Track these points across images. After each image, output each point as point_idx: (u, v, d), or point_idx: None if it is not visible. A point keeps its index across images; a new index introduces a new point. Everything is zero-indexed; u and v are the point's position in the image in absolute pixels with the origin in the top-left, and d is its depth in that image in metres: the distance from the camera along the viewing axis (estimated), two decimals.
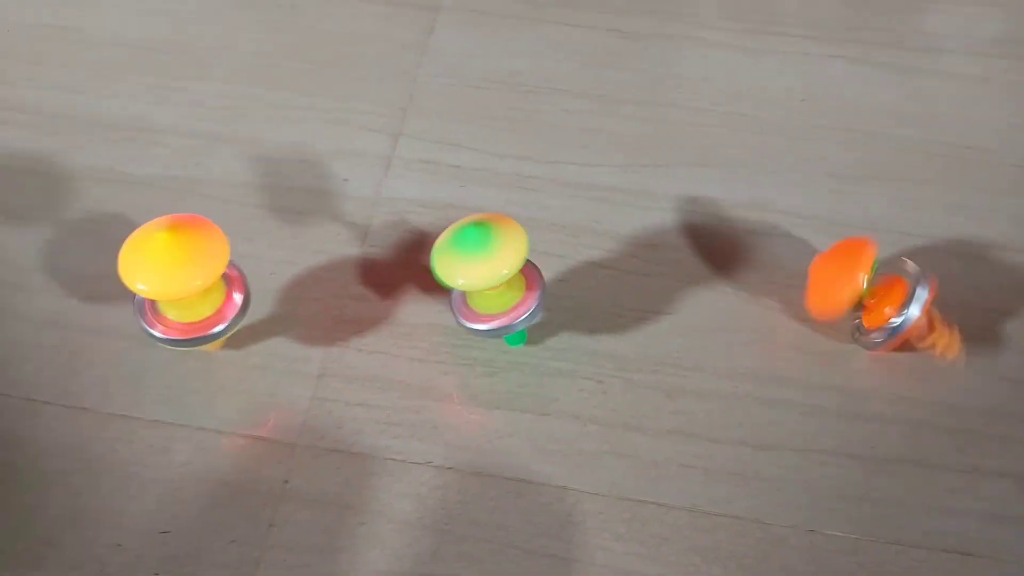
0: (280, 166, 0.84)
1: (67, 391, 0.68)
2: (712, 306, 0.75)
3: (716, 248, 0.79)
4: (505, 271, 0.61)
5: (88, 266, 0.76)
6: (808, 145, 0.88)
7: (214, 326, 0.64)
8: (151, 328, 0.63)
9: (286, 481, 0.64)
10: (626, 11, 1.01)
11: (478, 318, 0.67)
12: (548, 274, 0.76)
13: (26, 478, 0.64)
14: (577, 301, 0.75)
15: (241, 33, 0.96)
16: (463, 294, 0.68)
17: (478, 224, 0.62)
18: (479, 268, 0.61)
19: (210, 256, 0.59)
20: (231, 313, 0.65)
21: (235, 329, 0.65)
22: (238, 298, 0.65)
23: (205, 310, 0.64)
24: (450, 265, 0.62)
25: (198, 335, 0.63)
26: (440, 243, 0.64)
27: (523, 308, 0.66)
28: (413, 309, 0.74)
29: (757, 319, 0.75)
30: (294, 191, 0.82)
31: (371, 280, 0.76)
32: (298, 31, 0.96)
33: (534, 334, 0.73)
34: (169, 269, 0.57)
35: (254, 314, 0.72)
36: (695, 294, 0.76)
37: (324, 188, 0.82)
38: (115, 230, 0.78)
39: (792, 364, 0.72)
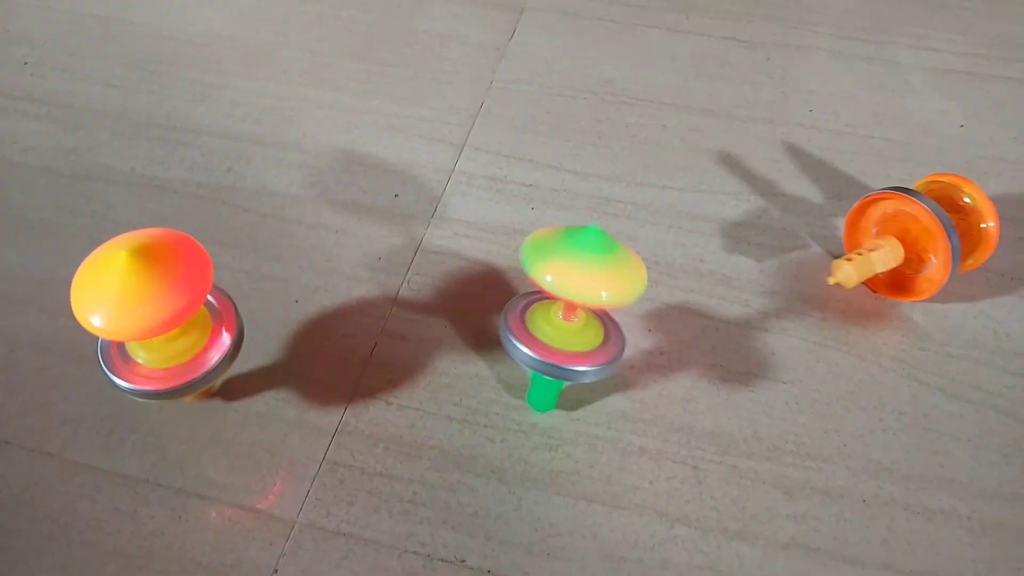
0: (323, 176, 0.71)
1: (33, 429, 0.56)
2: (848, 376, 0.57)
3: (856, 302, 0.62)
4: (607, 294, 0.46)
5: None
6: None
7: (191, 374, 0.49)
8: (114, 375, 0.49)
9: (275, 571, 0.50)
10: (744, 17, 0.85)
11: (534, 342, 0.51)
12: (627, 319, 0.60)
13: None
14: (668, 358, 0.58)
15: (298, 30, 0.84)
16: (529, 303, 0.54)
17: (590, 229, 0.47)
18: (588, 274, 0.46)
19: (183, 285, 0.45)
20: (216, 356, 0.50)
21: (221, 378, 0.51)
22: (227, 338, 0.51)
23: (183, 352, 0.50)
24: (579, 271, 0.46)
25: (170, 386, 0.49)
26: (545, 241, 0.48)
27: (599, 358, 0.51)
28: (460, 356, 0.59)
29: (909, 396, 0.56)
30: (336, 205, 0.69)
31: (412, 316, 0.61)
32: (362, 29, 0.84)
33: (606, 394, 0.56)
34: (129, 301, 0.43)
35: (268, 349, 0.59)
36: (825, 359, 0.58)
37: (371, 204, 0.69)
38: None
39: (958, 462, 0.53)
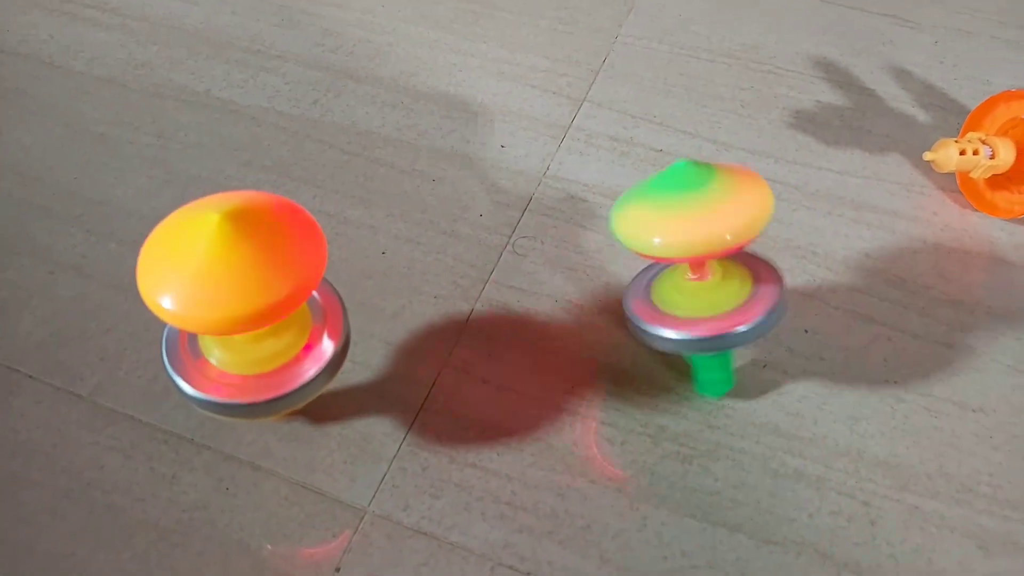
0: (421, 119, 0.62)
1: (64, 365, 0.47)
2: None
3: None
4: (730, 233, 0.36)
5: (143, 205, 0.56)
6: None
7: (276, 389, 0.38)
8: (179, 376, 0.38)
9: (337, 569, 0.40)
10: None
11: (670, 320, 0.41)
12: (789, 316, 0.49)
13: None
14: (830, 366, 0.48)
15: None
16: (650, 278, 0.44)
17: (692, 163, 0.38)
18: (692, 220, 0.36)
19: (289, 268, 0.34)
20: (311, 369, 0.39)
21: (313, 397, 0.40)
22: (328, 346, 0.40)
23: (270, 359, 0.39)
24: (643, 216, 0.38)
25: (247, 399, 0.38)
26: (630, 191, 0.40)
27: (758, 306, 0.40)
28: (572, 336, 0.49)
29: None
30: (434, 152, 0.59)
31: (517, 284, 0.51)
32: None
33: (753, 400, 0.46)
34: (215, 280, 0.33)
35: (347, 302, 0.49)
36: (1021, 388, 0.47)
37: (474, 153, 0.59)
38: (193, 165, 0.58)
39: None
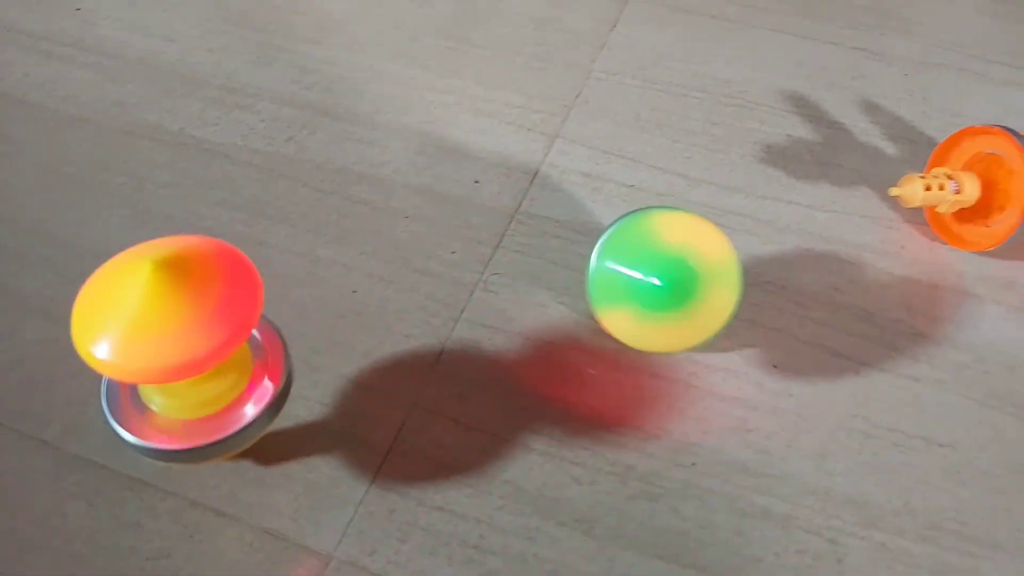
0: (395, 156, 0.62)
1: (30, 411, 0.47)
2: (1020, 444, 0.47)
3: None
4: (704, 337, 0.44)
5: (114, 246, 0.55)
6: None
7: (219, 432, 0.38)
8: (119, 425, 0.38)
9: None
10: (877, 29, 0.75)
11: None
12: (748, 351, 0.49)
13: None
14: (798, 402, 0.48)
15: (377, 2, 0.76)
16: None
17: (675, 262, 0.43)
18: (676, 331, 0.45)
19: (224, 314, 0.34)
20: (253, 410, 0.39)
21: (256, 438, 0.40)
22: (269, 386, 0.40)
23: (211, 401, 0.39)
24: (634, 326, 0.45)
25: (189, 445, 0.38)
26: (609, 285, 0.45)
27: None
28: (542, 375, 0.49)
29: None
30: (408, 189, 0.60)
31: (488, 322, 0.52)
32: (448, 5, 0.76)
33: (721, 439, 0.46)
34: (148, 329, 0.33)
35: (316, 343, 0.49)
36: (990, 422, 0.47)
37: (447, 191, 0.60)
38: (166, 205, 0.58)
39: None
